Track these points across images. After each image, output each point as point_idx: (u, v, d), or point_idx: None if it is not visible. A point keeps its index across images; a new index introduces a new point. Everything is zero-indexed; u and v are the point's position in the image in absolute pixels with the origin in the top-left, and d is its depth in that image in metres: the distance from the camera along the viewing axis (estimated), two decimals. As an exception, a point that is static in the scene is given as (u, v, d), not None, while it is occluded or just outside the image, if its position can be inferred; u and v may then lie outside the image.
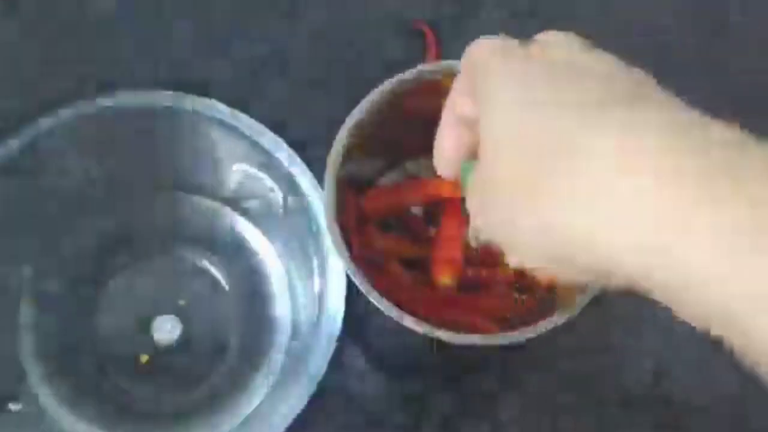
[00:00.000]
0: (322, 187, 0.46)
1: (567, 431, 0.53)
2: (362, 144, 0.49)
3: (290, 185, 0.51)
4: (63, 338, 0.53)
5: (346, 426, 0.53)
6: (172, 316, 0.54)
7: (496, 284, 0.51)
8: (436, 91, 0.51)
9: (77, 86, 0.59)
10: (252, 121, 0.52)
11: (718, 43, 0.63)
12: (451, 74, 0.49)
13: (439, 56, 0.60)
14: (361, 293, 0.44)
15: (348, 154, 0.47)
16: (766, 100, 0.60)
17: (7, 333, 0.52)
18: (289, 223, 0.53)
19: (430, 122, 0.37)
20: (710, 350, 0.55)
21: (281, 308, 0.55)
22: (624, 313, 0.56)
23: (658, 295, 0.27)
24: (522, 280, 0.52)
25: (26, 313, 0.53)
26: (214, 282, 0.55)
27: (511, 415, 0.53)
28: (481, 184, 0.33)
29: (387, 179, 0.55)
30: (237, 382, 0.53)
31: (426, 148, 0.38)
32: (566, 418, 0.54)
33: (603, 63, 0.31)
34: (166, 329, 0.53)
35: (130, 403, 0.52)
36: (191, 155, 0.54)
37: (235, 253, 0.56)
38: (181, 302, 0.54)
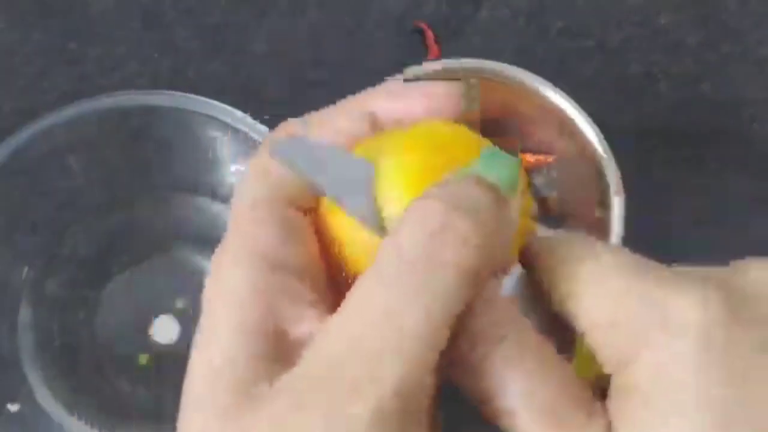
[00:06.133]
0: (322, 187, 0.46)
1: None
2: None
3: (290, 185, 0.51)
4: (62, 339, 0.53)
5: (345, 427, 0.52)
6: (172, 317, 0.54)
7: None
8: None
9: (77, 86, 0.59)
10: (252, 121, 0.51)
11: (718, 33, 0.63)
12: (451, 74, 0.49)
13: (439, 56, 0.60)
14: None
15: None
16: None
17: (6, 333, 0.52)
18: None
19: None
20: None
21: (281, 309, 0.54)
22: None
23: None
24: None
25: (25, 313, 0.53)
26: (214, 282, 0.55)
27: (511, 415, 0.53)
28: None
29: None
30: (236, 383, 0.53)
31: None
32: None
33: None
34: (166, 330, 0.53)
35: (129, 404, 0.52)
36: (190, 155, 0.54)
37: (235, 253, 0.56)
38: (181, 303, 0.54)
